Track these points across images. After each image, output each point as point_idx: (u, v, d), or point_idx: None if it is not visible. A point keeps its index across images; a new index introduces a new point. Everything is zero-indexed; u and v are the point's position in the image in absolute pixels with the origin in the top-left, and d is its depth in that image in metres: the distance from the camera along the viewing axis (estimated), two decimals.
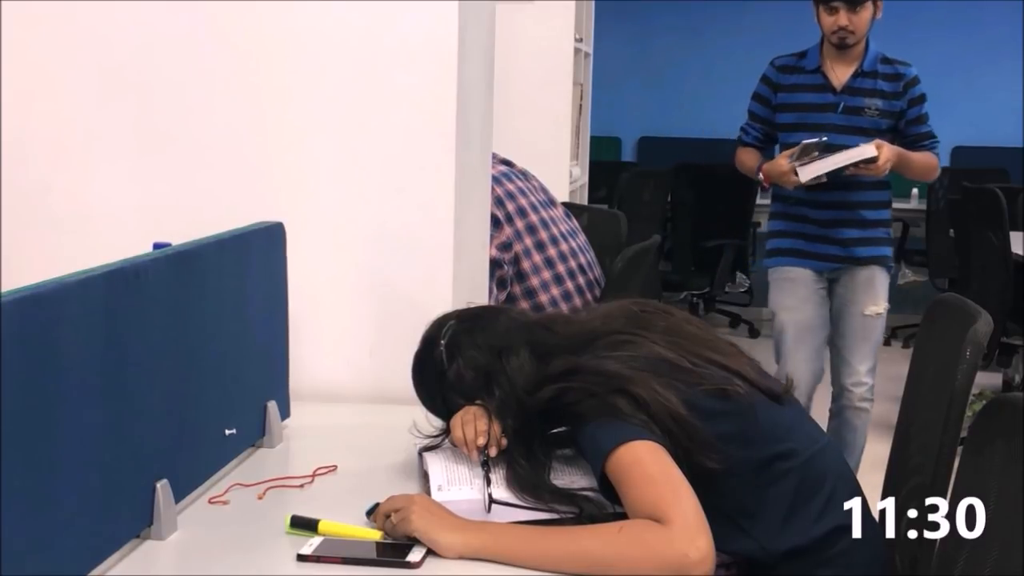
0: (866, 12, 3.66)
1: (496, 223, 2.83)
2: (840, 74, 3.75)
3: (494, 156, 2.85)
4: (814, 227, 3.78)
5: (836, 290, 3.81)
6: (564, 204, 3.29)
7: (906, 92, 3.72)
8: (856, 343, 3.76)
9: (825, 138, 3.60)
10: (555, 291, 2.90)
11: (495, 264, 2.79)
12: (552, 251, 2.92)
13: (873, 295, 3.73)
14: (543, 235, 2.91)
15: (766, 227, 4.13)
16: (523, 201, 2.92)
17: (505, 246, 2.85)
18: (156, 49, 2.33)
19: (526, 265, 2.88)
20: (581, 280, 2.96)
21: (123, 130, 2.35)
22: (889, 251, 3.87)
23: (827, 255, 3.79)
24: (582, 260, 3.00)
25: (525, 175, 3.07)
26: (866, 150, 3.54)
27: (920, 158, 3.75)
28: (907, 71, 3.75)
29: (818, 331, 3.81)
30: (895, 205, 4.06)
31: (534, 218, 2.92)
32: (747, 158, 3.88)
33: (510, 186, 2.93)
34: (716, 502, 1.57)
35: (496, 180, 2.88)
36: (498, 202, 2.85)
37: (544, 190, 3.10)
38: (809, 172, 3.56)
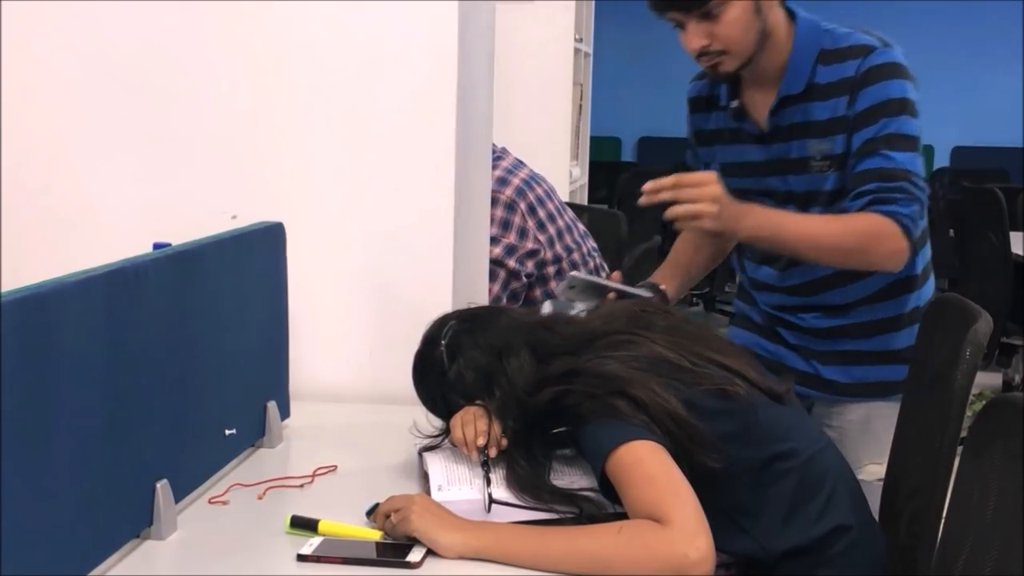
0: (733, 9, 2.03)
1: (523, 234, 2.75)
2: (763, 106, 2.19)
3: (503, 149, 2.83)
4: (767, 322, 2.33)
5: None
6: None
7: (854, 101, 2.07)
8: None
9: (591, 275, 2.23)
10: None
11: (512, 275, 2.74)
12: (576, 255, 2.86)
13: (877, 447, 2.06)
14: (568, 240, 2.86)
15: None
16: (550, 206, 2.84)
17: (531, 254, 2.76)
18: (156, 49, 2.33)
19: (551, 270, 2.83)
20: None
21: (123, 130, 2.35)
22: (904, 371, 2.05)
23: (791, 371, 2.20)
24: (593, 264, 2.97)
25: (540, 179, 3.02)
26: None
27: (818, 226, 2.08)
28: (860, 64, 2.06)
29: None
30: None
31: (560, 223, 2.84)
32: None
33: (539, 190, 2.84)
34: (716, 502, 1.56)
35: (527, 185, 2.80)
36: (530, 210, 2.77)
37: (556, 192, 3.05)
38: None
